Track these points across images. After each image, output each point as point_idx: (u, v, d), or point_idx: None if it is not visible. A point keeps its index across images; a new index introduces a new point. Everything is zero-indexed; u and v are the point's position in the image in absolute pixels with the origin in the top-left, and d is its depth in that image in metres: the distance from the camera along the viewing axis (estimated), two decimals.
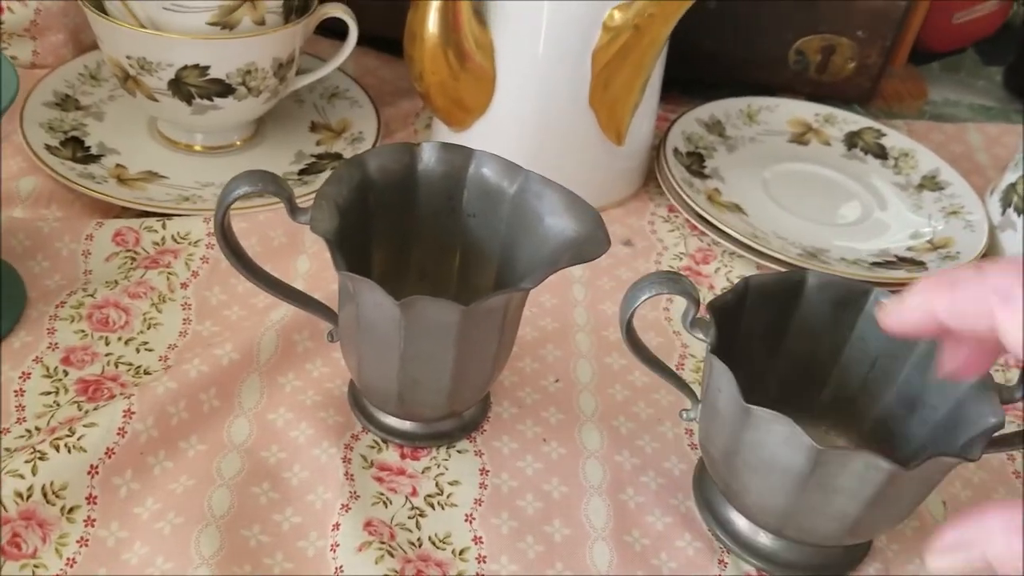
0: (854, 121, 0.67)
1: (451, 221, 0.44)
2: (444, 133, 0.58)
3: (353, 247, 0.40)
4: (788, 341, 0.41)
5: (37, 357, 0.43)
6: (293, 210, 0.38)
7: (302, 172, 0.57)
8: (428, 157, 0.43)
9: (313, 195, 0.53)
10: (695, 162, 0.62)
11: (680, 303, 0.52)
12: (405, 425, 0.43)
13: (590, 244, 0.40)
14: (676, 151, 0.61)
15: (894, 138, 0.66)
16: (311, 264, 0.51)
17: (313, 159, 0.58)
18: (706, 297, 0.53)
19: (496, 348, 0.41)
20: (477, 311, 0.38)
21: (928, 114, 0.75)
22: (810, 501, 0.35)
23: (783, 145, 0.66)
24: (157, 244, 0.49)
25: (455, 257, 0.45)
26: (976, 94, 0.78)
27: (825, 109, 0.67)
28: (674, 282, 0.37)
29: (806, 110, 0.67)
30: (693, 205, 0.57)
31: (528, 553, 0.40)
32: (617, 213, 0.59)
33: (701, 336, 0.37)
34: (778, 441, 0.34)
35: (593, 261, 0.39)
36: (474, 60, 0.54)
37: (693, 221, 0.57)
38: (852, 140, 0.66)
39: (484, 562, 0.39)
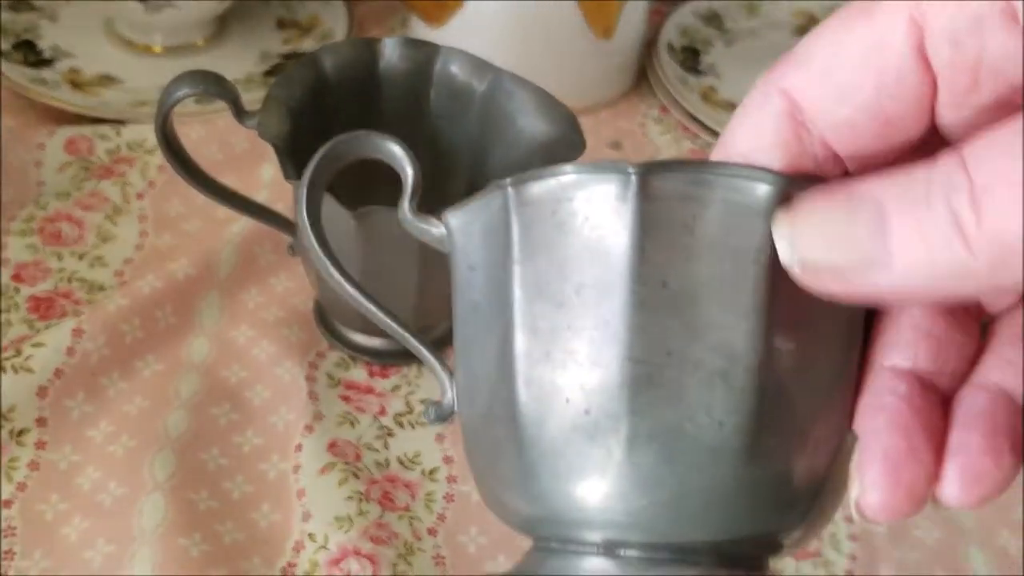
0: None
1: (418, 124, 0.41)
2: (421, 30, 0.54)
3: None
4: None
5: None
6: (240, 114, 0.36)
7: (267, 73, 0.53)
8: (390, 54, 0.40)
9: None
10: (689, 58, 0.58)
11: None
12: (373, 342, 0.41)
13: (563, 147, 0.37)
14: (670, 47, 0.58)
15: None
16: (276, 172, 0.47)
17: (280, 59, 0.54)
18: None
19: None
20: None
21: None
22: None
23: (786, 39, 0.61)
24: (111, 152, 0.47)
25: (424, 162, 0.42)
26: None
27: None
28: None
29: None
30: (686, 106, 0.53)
31: None
32: (605, 114, 0.56)
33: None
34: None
35: None
36: None
37: (686, 123, 0.54)
38: None
39: (455, 482, 0.38)
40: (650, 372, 0.18)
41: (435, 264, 0.37)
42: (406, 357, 0.41)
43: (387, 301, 0.38)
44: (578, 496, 0.19)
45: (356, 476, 0.36)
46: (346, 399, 0.40)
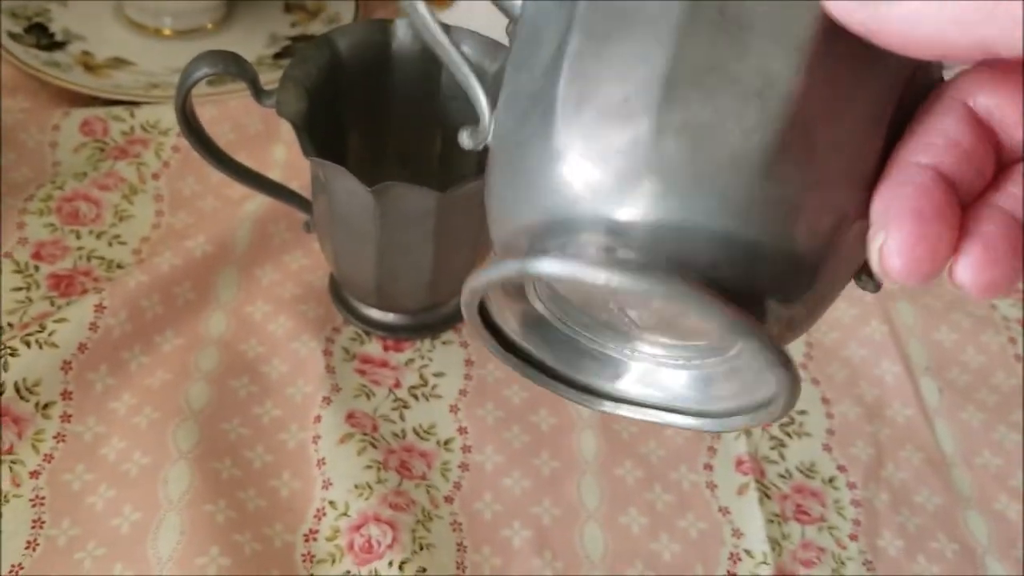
0: None
1: (430, 104, 0.42)
2: None
3: (325, 133, 0.38)
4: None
5: (7, 252, 0.42)
6: (258, 93, 0.36)
7: (277, 56, 0.54)
8: (403, 35, 0.40)
9: None
10: None
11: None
12: (388, 317, 0.42)
13: None
14: None
15: None
16: (288, 152, 0.49)
17: (288, 42, 0.55)
18: None
19: (478, 236, 0.39)
20: (455, 197, 0.36)
21: None
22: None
23: None
24: (126, 133, 0.47)
25: (436, 141, 0.43)
26: None
27: None
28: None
29: None
30: None
31: (514, 443, 0.39)
32: None
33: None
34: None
35: None
36: None
37: None
38: None
39: (469, 452, 0.39)
40: (692, 74, 0.19)
41: (449, 241, 0.38)
42: (419, 331, 0.42)
43: (403, 276, 0.39)
44: (599, 176, 0.19)
45: (374, 446, 0.37)
46: (362, 372, 0.40)
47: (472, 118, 0.42)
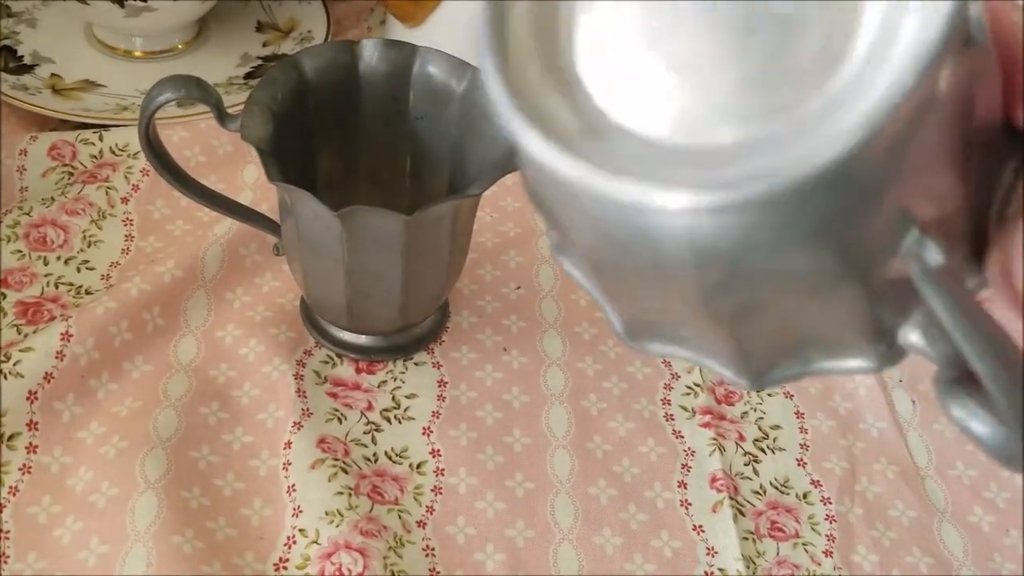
0: None
1: (398, 124, 0.41)
2: (398, 30, 0.55)
3: (294, 156, 0.38)
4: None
5: None
6: (222, 117, 0.36)
7: (248, 76, 0.54)
8: (369, 56, 0.40)
9: None
10: None
11: None
12: (360, 339, 0.42)
13: None
14: None
15: None
16: (260, 173, 0.49)
17: (260, 62, 0.55)
18: None
19: (448, 257, 0.39)
20: (422, 219, 0.36)
21: None
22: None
23: None
24: (95, 157, 0.47)
25: (405, 162, 0.43)
26: None
27: None
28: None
29: None
30: None
31: (487, 464, 0.39)
32: None
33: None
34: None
35: None
36: None
37: None
38: None
39: (442, 475, 0.38)
40: None
41: (419, 262, 0.38)
42: (392, 353, 0.42)
43: (374, 298, 0.39)
44: None
45: (345, 471, 0.37)
46: (333, 396, 0.40)
47: (440, 136, 0.42)
